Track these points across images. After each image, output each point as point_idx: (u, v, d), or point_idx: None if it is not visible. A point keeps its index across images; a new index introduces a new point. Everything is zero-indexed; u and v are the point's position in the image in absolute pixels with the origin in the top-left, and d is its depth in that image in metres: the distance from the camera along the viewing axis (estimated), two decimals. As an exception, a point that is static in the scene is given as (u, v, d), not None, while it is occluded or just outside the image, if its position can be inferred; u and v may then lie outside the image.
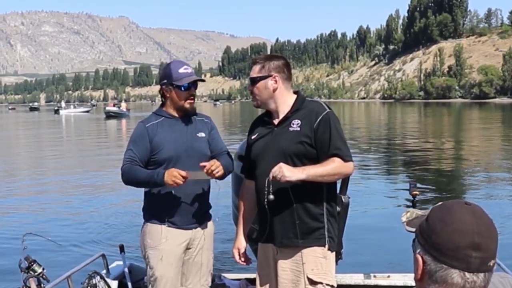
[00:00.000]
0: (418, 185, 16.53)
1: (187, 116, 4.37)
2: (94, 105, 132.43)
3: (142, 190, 4.44)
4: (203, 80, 4.38)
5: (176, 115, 4.33)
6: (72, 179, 20.88)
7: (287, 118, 3.77)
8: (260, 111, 4.03)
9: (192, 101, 4.29)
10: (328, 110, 3.73)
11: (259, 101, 3.85)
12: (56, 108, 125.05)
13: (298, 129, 3.70)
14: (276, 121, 3.83)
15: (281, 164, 3.53)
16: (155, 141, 4.22)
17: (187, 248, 4.35)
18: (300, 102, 3.81)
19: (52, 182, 20.61)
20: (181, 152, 4.20)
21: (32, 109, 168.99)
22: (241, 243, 4.04)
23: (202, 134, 4.36)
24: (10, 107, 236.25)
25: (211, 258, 4.53)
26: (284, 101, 3.81)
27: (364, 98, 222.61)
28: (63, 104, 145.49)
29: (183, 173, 3.95)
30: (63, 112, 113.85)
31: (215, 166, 4.05)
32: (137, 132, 4.31)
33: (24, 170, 25.29)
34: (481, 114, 79.06)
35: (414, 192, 5.27)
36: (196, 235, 4.37)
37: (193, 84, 4.27)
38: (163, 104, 4.40)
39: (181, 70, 4.24)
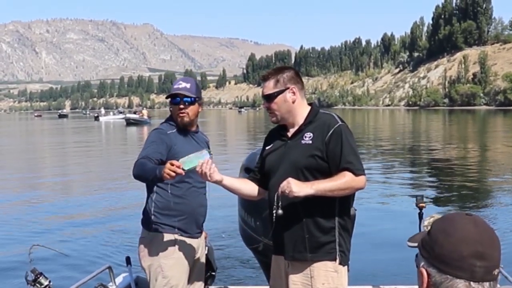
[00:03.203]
0: (435, 193, 16.62)
1: (194, 131, 4.47)
2: (121, 112, 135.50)
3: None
4: (187, 96, 4.31)
5: (187, 128, 4.39)
6: (81, 190, 21.01)
7: (300, 130, 3.73)
8: None
9: (183, 115, 4.31)
10: (340, 122, 3.68)
11: (279, 116, 3.79)
12: (96, 115, 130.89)
13: (310, 142, 3.65)
14: (290, 134, 3.79)
15: (290, 179, 3.48)
16: (174, 150, 4.22)
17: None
18: (314, 114, 3.76)
19: (61, 193, 20.55)
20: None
21: (61, 116, 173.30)
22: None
23: None
24: (36, 114, 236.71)
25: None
26: (301, 112, 3.77)
27: (388, 105, 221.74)
28: (102, 111, 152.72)
29: (176, 163, 3.75)
30: (102, 118, 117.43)
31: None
32: (156, 136, 4.31)
33: (43, 178, 25.43)
34: (506, 121, 78.59)
35: (421, 205, 5.23)
36: (200, 242, 4.52)
37: (183, 99, 4.29)
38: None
39: (175, 86, 4.37)
